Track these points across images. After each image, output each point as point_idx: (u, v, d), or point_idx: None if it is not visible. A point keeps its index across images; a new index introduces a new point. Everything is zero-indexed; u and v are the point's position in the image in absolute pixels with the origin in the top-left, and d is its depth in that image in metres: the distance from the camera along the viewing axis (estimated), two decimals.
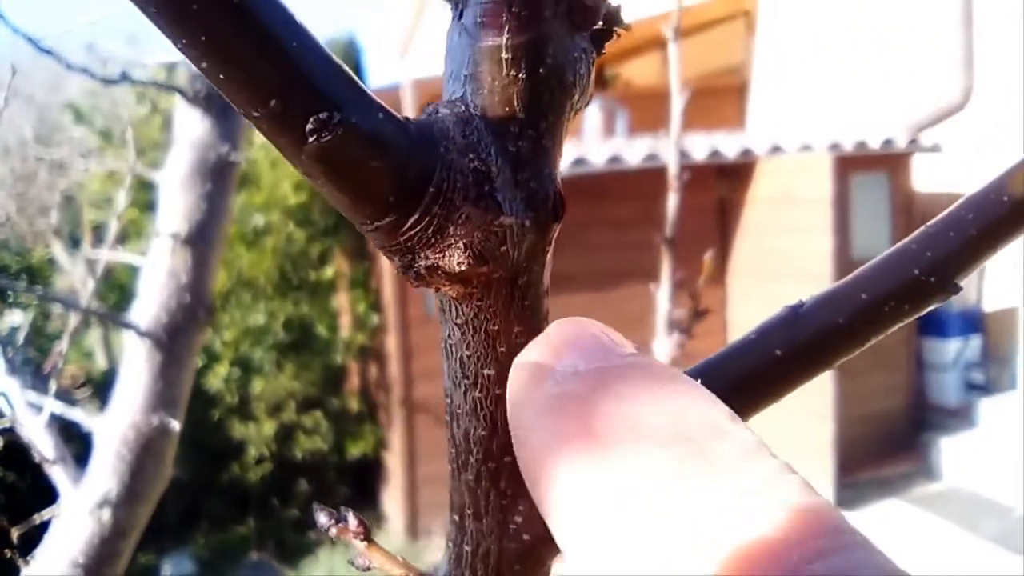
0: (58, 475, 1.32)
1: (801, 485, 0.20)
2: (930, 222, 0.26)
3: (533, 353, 0.24)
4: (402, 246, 0.23)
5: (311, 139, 0.20)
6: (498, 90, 0.23)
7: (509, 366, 0.24)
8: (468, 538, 0.30)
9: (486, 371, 0.26)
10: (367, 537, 0.36)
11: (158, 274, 1.27)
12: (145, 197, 5.30)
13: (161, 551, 5.55)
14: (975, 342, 6.07)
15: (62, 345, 1.51)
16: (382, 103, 0.21)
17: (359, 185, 0.21)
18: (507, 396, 0.24)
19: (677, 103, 0.83)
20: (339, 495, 6.07)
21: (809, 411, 5.48)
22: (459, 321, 0.25)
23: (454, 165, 0.22)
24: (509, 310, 0.25)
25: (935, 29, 5.72)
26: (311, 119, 0.20)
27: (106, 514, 1.25)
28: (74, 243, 9.59)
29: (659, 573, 0.18)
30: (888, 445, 5.89)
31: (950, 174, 6.01)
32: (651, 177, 5.72)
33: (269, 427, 5.84)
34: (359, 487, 6.20)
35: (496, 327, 0.25)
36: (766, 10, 7.58)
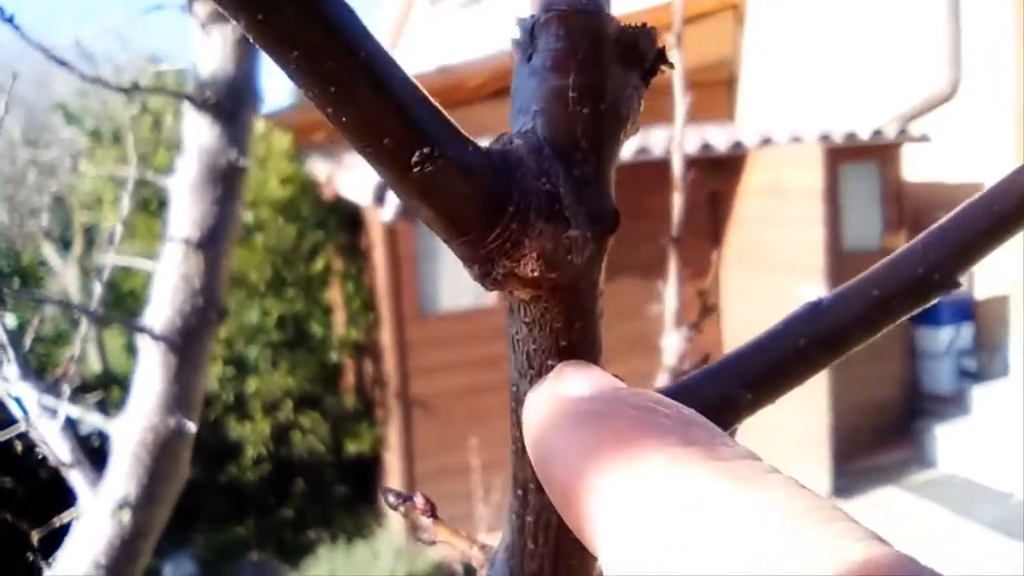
0: (75, 479, 1.35)
1: (867, 533, 0.19)
2: (932, 227, 0.30)
3: (547, 385, 0.26)
4: (483, 257, 0.26)
5: (415, 170, 0.24)
6: (564, 123, 0.27)
7: (570, 357, 0.28)
8: (530, 509, 0.34)
9: (550, 362, 0.30)
10: (433, 514, 0.40)
11: (171, 279, 1.30)
12: (140, 197, 5.30)
13: (161, 553, 5.56)
14: (967, 330, 6.13)
15: (74, 350, 1.53)
16: (471, 138, 0.25)
17: (451, 207, 0.25)
18: (525, 424, 0.25)
19: (680, 105, 0.86)
20: (337, 494, 6.08)
21: (805, 402, 5.53)
22: (527, 320, 0.29)
23: (529, 188, 0.26)
24: (571, 309, 0.29)
25: (923, 21, 5.77)
26: (416, 153, 0.24)
27: (126, 516, 1.28)
28: (65, 245, 9.56)
29: None
30: (883, 433, 5.94)
31: (939, 164, 6.07)
32: (642, 171, 5.75)
33: (265, 426, 5.85)
34: (357, 485, 6.20)
35: (560, 324, 0.29)
36: (755, 3, 7.63)
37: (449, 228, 0.26)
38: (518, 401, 0.31)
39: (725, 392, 0.32)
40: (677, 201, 0.87)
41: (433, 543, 0.40)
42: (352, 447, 6.06)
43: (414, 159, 0.24)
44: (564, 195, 0.26)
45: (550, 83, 0.27)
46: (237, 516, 5.99)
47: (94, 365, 7.66)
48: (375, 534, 5.60)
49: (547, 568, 0.35)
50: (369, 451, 6.09)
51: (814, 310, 0.30)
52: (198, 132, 1.31)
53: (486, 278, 0.27)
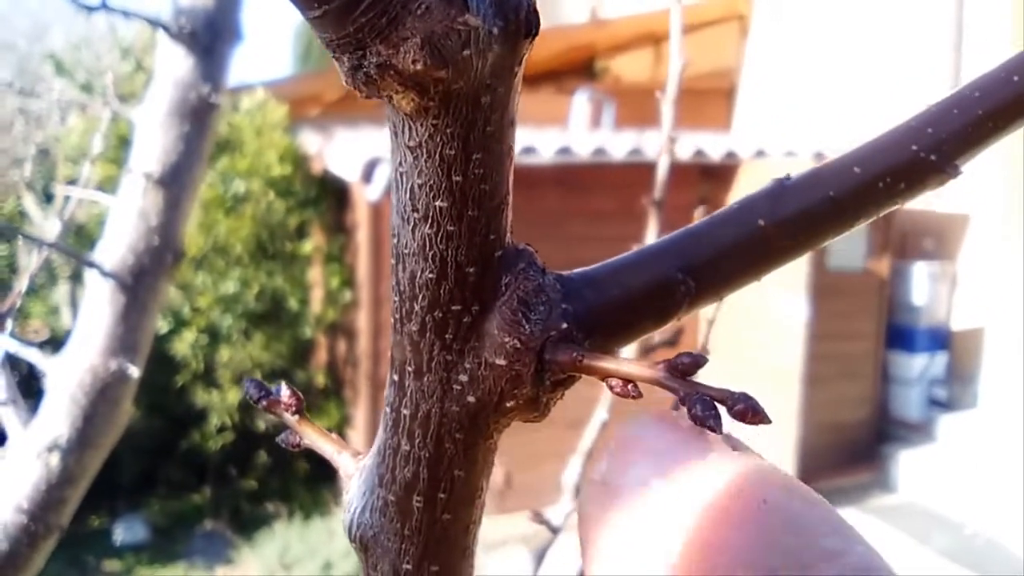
0: (7, 417, 1.28)
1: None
2: (934, 102, 0.25)
3: (602, 467, 0.28)
4: (352, 38, 0.20)
5: None
6: None
7: (464, 200, 0.22)
8: (407, 400, 0.27)
9: (438, 203, 0.23)
10: (299, 411, 0.33)
11: (127, 214, 1.24)
12: (121, 154, 5.22)
13: (114, 515, 5.49)
14: (941, 359, 6.14)
15: (21, 284, 1.47)
16: None
17: None
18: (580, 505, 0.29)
19: (675, 64, 0.81)
20: (299, 468, 6.02)
21: (774, 418, 5.51)
22: (411, 144, 0.23)
23: None
24: (469, 133, 0.22)
25: (923, 46, 5.76)
26: None
27: (55, 459, 1.21)
28: (47, 198, 9.43)
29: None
30: (849, 455, 5.94)
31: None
32: (634, 172, 5.72)
33: (233, 396, 5.77)
34: (320, 461, 6.09)
35: (452, 152, 0.22)
36: (761, 15, 7.60)
37: None
38: (398, 257, 0.25)
39: (660, 276, 0.26)
40: (663, 163, 0.82)
41: (297, 447, 0.34)
42: (318, 423, 5.98)
43: None
44: None
45: None
46: (195, 484, 5.92)
47: (66, 320, 7.55)
48: (332, 512, 5.54)
49: (424, 476, 0.28)
50: (334, 429, 5.97)
51: (779, 188, 0.25)
52: (171, 63, 1.25)
53: (356, 73, 0.21)
